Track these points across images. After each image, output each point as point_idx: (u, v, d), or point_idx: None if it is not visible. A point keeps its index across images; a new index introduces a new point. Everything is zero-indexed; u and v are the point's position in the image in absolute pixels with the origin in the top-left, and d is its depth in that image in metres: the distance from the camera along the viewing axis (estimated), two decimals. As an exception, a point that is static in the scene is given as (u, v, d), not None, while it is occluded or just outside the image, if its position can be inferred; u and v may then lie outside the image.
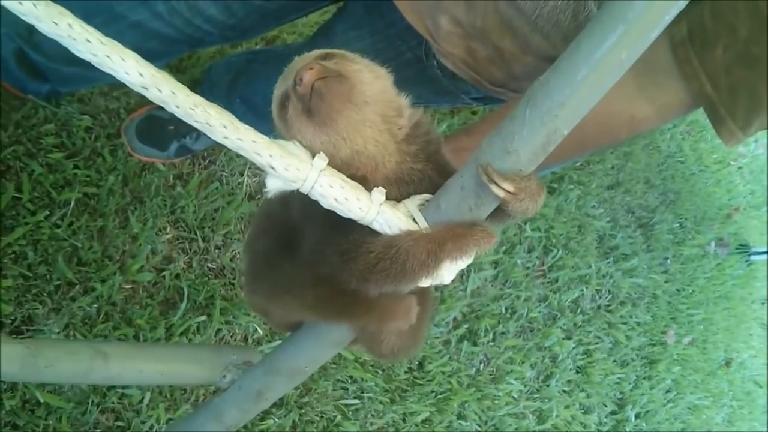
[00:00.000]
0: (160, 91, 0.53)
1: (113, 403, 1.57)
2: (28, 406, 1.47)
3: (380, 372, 2.06)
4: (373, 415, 2.01)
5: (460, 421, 2.23)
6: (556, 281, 2.74)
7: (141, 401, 1.60)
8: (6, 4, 0.51)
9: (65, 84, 1.57)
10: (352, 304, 0.69)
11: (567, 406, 2.63)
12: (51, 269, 1.54)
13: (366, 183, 0.66)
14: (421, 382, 2.16)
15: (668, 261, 3.46)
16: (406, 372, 2.14)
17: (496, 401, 2.37)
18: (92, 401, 1.54)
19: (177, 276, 1.73)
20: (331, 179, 0.61)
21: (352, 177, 0.65)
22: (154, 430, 1.60)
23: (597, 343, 2.85)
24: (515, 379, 2.45)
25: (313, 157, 0.63)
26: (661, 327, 3.26)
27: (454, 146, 1.05)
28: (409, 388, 2.12)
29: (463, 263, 0.64)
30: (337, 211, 0.63)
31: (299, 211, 0.71)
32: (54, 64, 1.45)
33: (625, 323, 3.02)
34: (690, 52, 0.94)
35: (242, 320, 1.79)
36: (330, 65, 0.67)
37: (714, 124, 0.98)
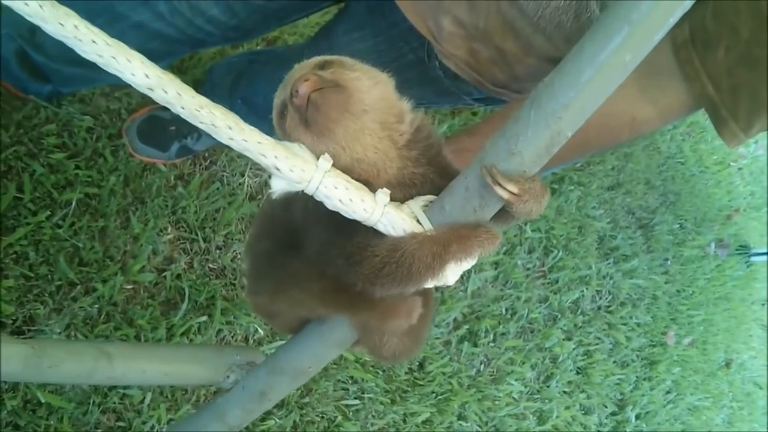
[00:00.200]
0: (165, 92, 0.53)
1: (114, 403, 1.57)
2: (29, 406, 1.47)
3: (381, 372, 2.06)
4: (373, 416, 2.01)
5: (460, 422, 2.23)
6: (557, 282, 2.75)
7: (142, 401, 1.60)
8: (12, 5, 0.51)
9: (67, 84, 1.57)
10: (356, 299, 0.68)
11: (567, 407, 2.63)
12: (52, 269, 1.54)
13: (368, 187, 0.66)
14: (421, 382, 2.16)
15: (668, 262, 3.47)
16: (406, 373, 2.14)
17: (497, 402, 2.37)
18: (93, 401, 1.54)
19: (178, 276, 1.73)
20: (336, 180, 0.62)
21: None
22: (155, 430, 1.60)
23: (597, 344, 2.85)
24: (516, 380, 2.45)
25: (318, 158, 0.63)
26: (662, 328, 3.26)
27: (455, 147, 1.05)
28: (409, 389, 2.13)
29: (467, 264, 0.64)
30: (342, 212, 0.63)
31: (302, 213, 0.71)
32: (55, 64, 1.45)
33: (625, 324, 3.03)
34: (692, 53, 0.94)
35: (243, 321, 1.79)
36: (327, 75, 0.67)
37: (716, 126, 0.98)
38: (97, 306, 1.59)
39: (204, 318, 1.72)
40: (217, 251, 1.82)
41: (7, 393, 1.44)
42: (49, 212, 1.56)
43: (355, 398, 1.98)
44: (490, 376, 2.40)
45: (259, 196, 1.94)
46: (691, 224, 3.75)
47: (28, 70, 1.49)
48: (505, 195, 0.59)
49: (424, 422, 2.13)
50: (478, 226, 0.63)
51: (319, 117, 0.64)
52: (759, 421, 3.91)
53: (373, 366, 2.04)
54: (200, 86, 1.78)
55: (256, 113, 1.43)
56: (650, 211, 3.45)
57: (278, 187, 0.62)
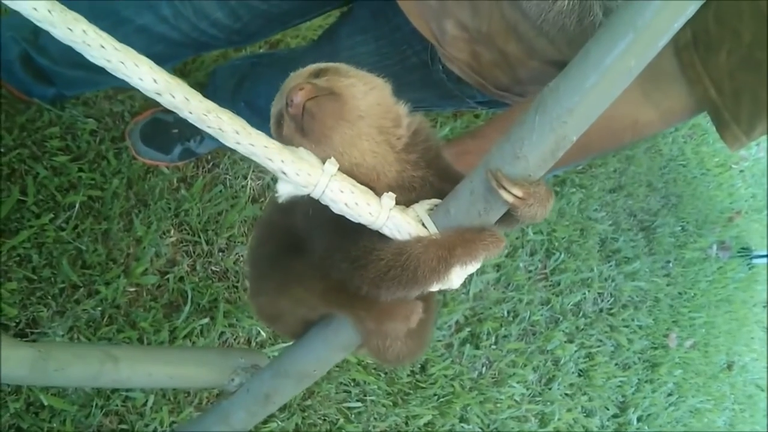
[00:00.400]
0: (173, 97, 0.54)
1: (117, 405, 1.57)
2: (32, 408, 1.47)
3: (383, 375, 2.06)
4: (375, 419, 2.02)
5: (462, 425, 2.23)
6: (558, 284, 2.75)
7: (145, 404, 1.60)
8: (21, 10, 0.51)
9: (70, 87, 1.58)
10: (354, 298, 0.69)
11: (569, 410, 2.63)
12: (55, 272, 1.55)
13: None
14: (423, 385, 2.16)
15: (670, 264, 3.47)
16: (408, 375, 2.14)
17: (499, 404, 2.37)
18: (96, 404, 1.54)
19: (181, 279, 1.74)
20: (342, 184, 0.62)
21: None
22: (158, 432, 1.60)
23: (599, 347, 2.85)
24: (517, 383, 2.45)
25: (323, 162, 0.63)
26: (663, 330, 3.26)
27: (458, 150, 1.06)
28: (411, 392, 2.13)
29: (472, 268, 0.64)
30: (348, 216, 0.63)
31: (303, 220, 0.71)
32: (59, 67, 1.45)
33: (627, 326, 3.03)
34: (694, 56, 0.94)
35: (245, 323, 1.79)
36: (321, 83, 0.68)
37: (718, 129, 0.98)
38: (100, 308, 1.59)
39: (207, 320, 1.73)
40: (220, 254, 1.83)
41: (10, 395, 1.44)
42: (52, 215, 1.56)
43: (357, 401, 1.98)
44: (492, 378, 2.40)
45: (262, 199, 1.94)
46: (693, 227, 3.76)
47: (32, 73, 1.49)
48: (510, 199, 0.59)
49: (426, 425, 2.13)
50: (483, 229, 0.63)
51: (315, 125, 0.65)
52: (760, 423, 3.91)
53: (375, 368, 2.04)
54: (203, 89, 1.78)
55: (260, 116, 1.43)
56: (652, 213, 3.45)
57: (285, 191, 0.62)
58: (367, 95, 0.69)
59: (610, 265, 3.02)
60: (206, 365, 0.81)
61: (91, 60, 0.53)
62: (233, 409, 0.82)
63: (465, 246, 0.62)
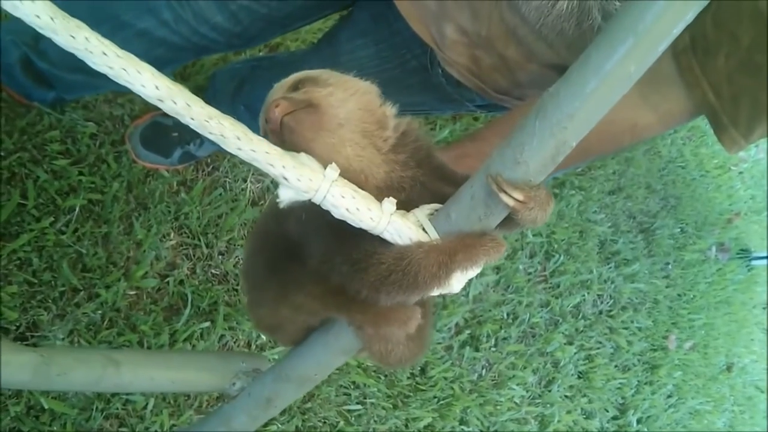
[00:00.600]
0: (175, 103, 0.54)
1: (117, 409, 1.57)
2: (32, 412, 1.47)
3: (383, 378, 2.06)
4: (375, 421, 2.02)
5: (462, 427, 2.23)
6: (558, 286, 2.75)
7: (145, 407, 1.60)
8: (23, 17, 0.52)
9: (70, 91, 1.58)
10: (352, 301, 0.69)
11: (569, 412, 2.63)
12: (56, 275, 1.55)
13: None
14: (423, 387, 2.17)
15: (669, 266, 3.47)
16: (408, 378, 2.14)
17: (498, 407, 2.37)
18: (96, 407, 1.54)
19: (181, 282, 1.74)
20: (343, 189, 0.62)
21: None
22: (158, 436, 1.60)
23: (598, 349, 2.85)
24: (517, 385, 2.45)
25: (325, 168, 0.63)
26: (663, 332, 3.27)
27: (457, 152, 1.06)
28: (411, 394, 2.13)
29: (473, 272, 0.64)
30: (348, 221, 0.63)
31: (296, 226, 0.71)
32: (59, 71, 1.45)
33: (626, 328, 3.03)
34: (692, 60, 0.95)
35: (245, 326, 1.79)
36: (298, 96, 0.69)
37: (716, 132, 0.99)
38: (100, 312, 1.59)
39: (207, 324, 1.73)
40: (220, 257, 1.83)
41: (10, 399, 1.44)
42: (52, 218, 1.56)
43: (357, 403, 1.98)
44: (492, 380, 2.40)
45: (262, 202, 1.95)
46: (692, 228, 3.76)
47: (32, 77, 1.49)
48: (510, 202, 0.60)
49: (425, 427, 2.13)
50: (484, 234, 0.64)
51: (295, 138, 0.66)
52: (760, 424, 3.91)
53: (375, 371, 2.04)
54: (203, 93, 1.78)
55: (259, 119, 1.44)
56: (651, 215, 3.46)
57: (286, 196, 0.62)
58: (346, 102, 0.69)
59: (610, 267, 3.02)
60: (208, 369, 0.82)
61: (93, 67, 0.53)
62: (235, 412, 0.82)
63: (466, 251, 0.62)
